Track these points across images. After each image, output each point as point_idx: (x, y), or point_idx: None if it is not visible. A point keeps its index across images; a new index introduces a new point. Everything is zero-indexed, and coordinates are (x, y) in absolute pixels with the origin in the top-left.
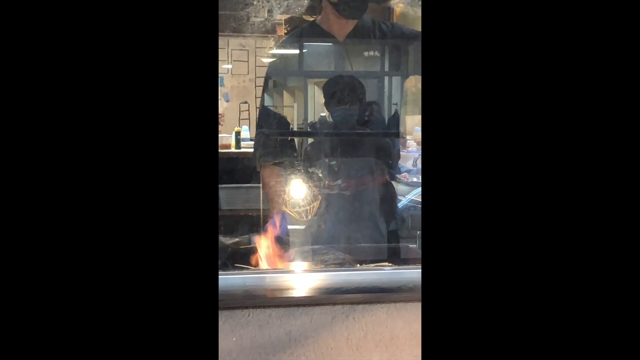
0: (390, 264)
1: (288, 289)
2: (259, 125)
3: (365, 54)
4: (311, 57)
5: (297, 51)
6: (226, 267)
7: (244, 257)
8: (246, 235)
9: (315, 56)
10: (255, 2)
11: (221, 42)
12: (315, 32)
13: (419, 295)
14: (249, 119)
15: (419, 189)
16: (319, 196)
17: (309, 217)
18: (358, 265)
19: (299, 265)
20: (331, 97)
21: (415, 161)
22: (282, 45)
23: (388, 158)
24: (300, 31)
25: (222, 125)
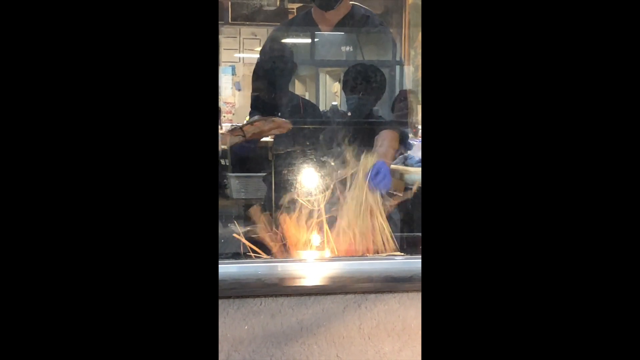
0: (402, 254)
1: (300, 278)
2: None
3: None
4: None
5: (288, 40)
6: (238, 256)
7: (256, 245)
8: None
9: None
10: None
11: (233, 30)
12: (306, 22)
13: None
14: None
15: None
16: (331, 185)
17: (321, 206)
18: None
19: (311, 254)
20: (345, 85)
21: None
22: (275, 33)
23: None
24: (292, 21)
25: (233, 114)
